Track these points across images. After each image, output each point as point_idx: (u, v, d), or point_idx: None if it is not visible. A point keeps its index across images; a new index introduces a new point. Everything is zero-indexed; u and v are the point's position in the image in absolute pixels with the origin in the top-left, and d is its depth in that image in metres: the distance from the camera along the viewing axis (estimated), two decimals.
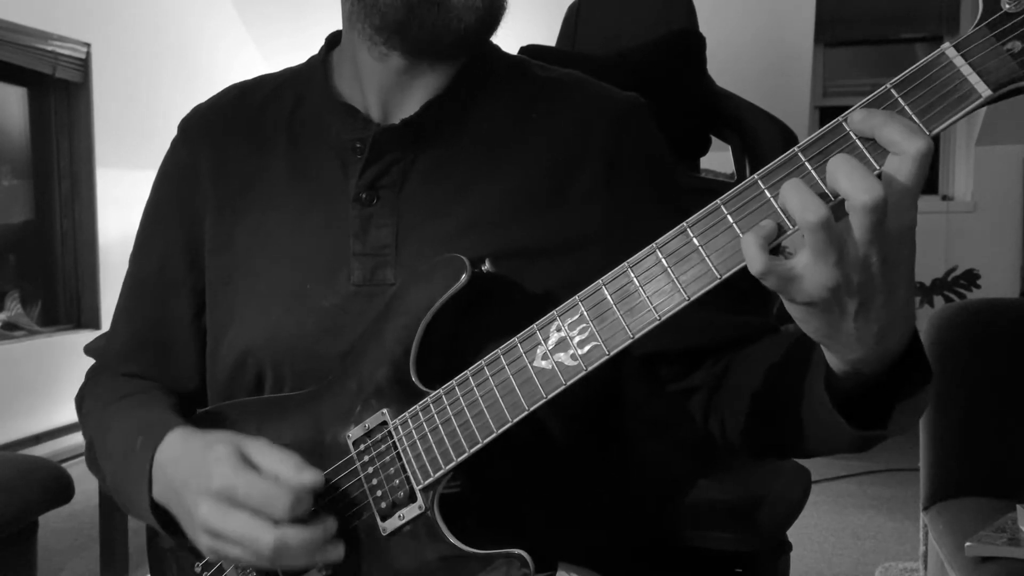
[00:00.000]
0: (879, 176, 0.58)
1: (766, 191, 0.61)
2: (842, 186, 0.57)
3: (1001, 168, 5.03)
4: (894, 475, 3.65)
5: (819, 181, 0.60)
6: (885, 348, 0.64)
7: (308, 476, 0.74)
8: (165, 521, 0.82)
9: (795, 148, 0.61)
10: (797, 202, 0.57)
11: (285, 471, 0.74)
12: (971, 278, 4.51)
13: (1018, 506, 1.63)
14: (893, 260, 0.59)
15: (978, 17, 0.59)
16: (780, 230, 0.61)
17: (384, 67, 0.87)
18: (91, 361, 1.04)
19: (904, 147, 0.57)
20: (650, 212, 0.70)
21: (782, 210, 0.60)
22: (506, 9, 0.85)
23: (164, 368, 0.97)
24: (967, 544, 1.58)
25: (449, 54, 0.86)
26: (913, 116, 0.59)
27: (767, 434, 0.82)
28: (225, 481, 0.74)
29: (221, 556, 0.77)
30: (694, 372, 0.88)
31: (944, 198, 5.33)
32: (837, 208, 0.58)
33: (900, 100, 0.60)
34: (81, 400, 1.00)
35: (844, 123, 0.61)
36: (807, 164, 0.61)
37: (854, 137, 0.60)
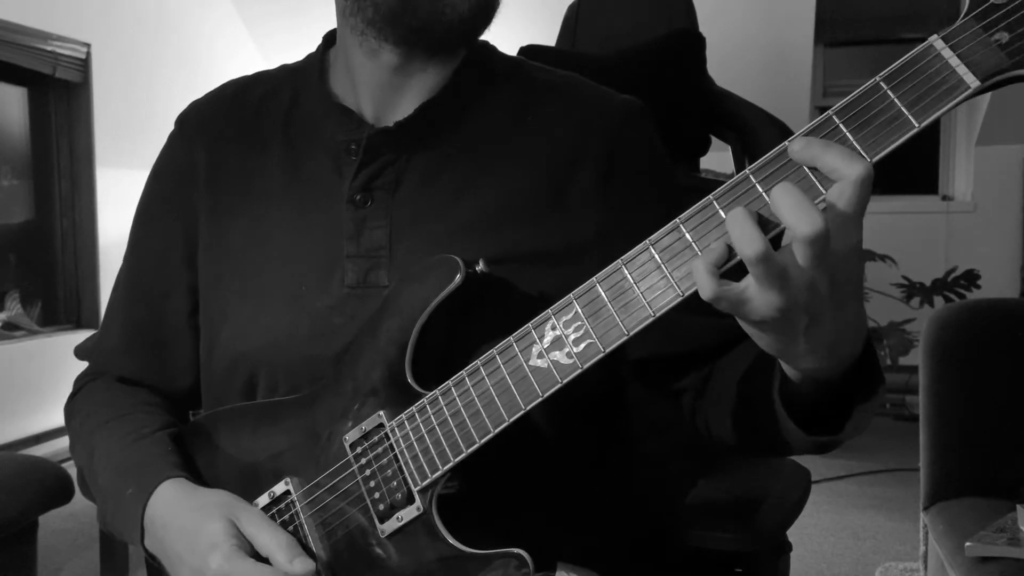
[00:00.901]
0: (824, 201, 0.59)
1: (758, 185, 0.62)
2: (784, 217, 0.58)
3: (1001, 168, 5.02)
4: (894, 475, 3.65)
5: (811, 176, 0.61)
6: (837, 358, 0.66)
7: (300, 566, 0.75)
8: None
9: (786, 142, 0.62)
10: (738, 234, 0.59)
11: (280, 558, 0.75)
12: (971, 278, 4.50)
13: (1018, 506, 1.62)
14: (841, 279, 0.61)
15: (965, 8, 0.60)
16: (731, 253, 0.62)
17: (376, 65, 0.87)
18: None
19: (844, 173, 0.58)
20: (647, 216, 0.70)
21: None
22: (500, 2, 0.85)
23: (159, 366, 0.97)
24: (967, 544, 1.58)
25: (441, 46, 0.86)
26: (903, 108, 0.59)
27: (746, 437, 0.83)
28: (220, 570, 0.75)
29: None
30: (685, 375, 0.89)
31: (944, 198, 5.33)
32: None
33: (889, 92, 0.60)
34: (70, 416, 0.99)
35: (835, 118, 0.61)
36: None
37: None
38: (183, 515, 0.80)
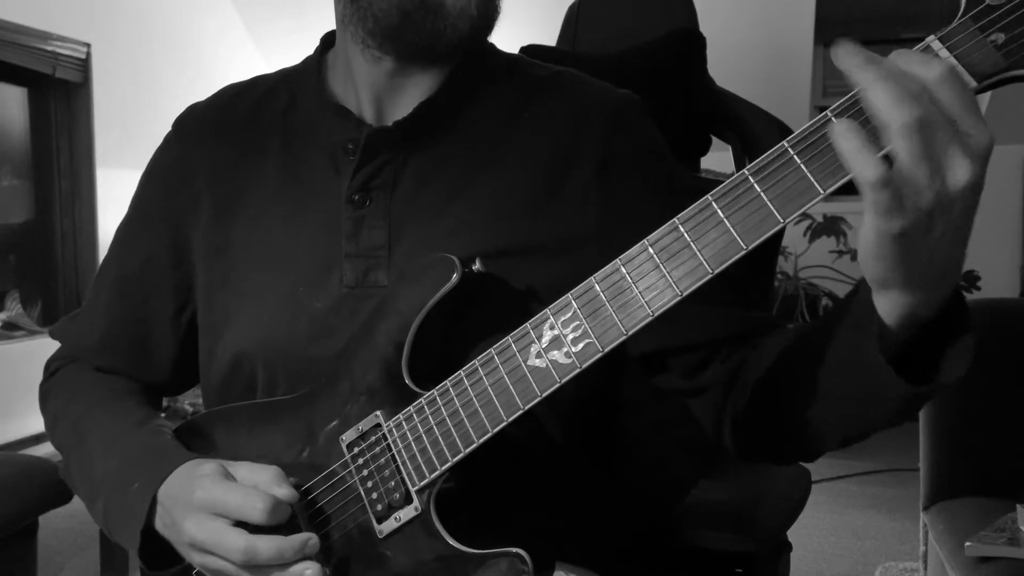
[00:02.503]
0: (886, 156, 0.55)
1: (756, 186, 0.62)
2: (924, 72, 0.54)
3: (1001, 168, 5.02)
4: (894, 475, 3.65)
5: (809, 176, 0.60)
6: (940, 293, 0.62)
7: (284, 490, 0.76)
8: (152, 552, 0.83)
9: (784, 143, 0.61)
10: (886, 100, 0.54)
11: (263, 480, 0.76)
12: (971, 279, 4.51)
13: (1018, 506, 1.62)
14: (975, 183, 0.56)
15: (962, 9, 0.60)
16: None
17: (377, 69, 0.87)
18: None
19: (925, 75, 0.55)
20: (646, 210, 0.70)
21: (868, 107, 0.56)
22: (500, 13, 0.85)
23: (138, 364, 0.98)
24: (967, 544, 1.58)
25: (443, 59, 0.86)
26: None
27: (794, 423, 0.77)
28: (205, 493, 0.76)
29: (207, 569, 0.79)
30: (702, 372, 0.85)
31: None
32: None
33: None
34: (46, 396, 1.00)
35: (833, 118, 0.60)
36: (796, 158, 0.60)
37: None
38: (182, 474, 0.80)
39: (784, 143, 0.61)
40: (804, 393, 0.74)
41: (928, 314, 0.63)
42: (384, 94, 0.88)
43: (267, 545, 0.74)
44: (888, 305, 0.63)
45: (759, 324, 0.85)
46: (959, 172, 0.55)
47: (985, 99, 4.77)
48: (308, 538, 0.75)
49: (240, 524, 0.75)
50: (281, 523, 0.76)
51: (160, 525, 0.82)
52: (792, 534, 1.53)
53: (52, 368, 1.03)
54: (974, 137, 0.55)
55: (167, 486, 0.81)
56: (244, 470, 0.78)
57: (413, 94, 0.87)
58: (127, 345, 0.98)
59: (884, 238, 0.57)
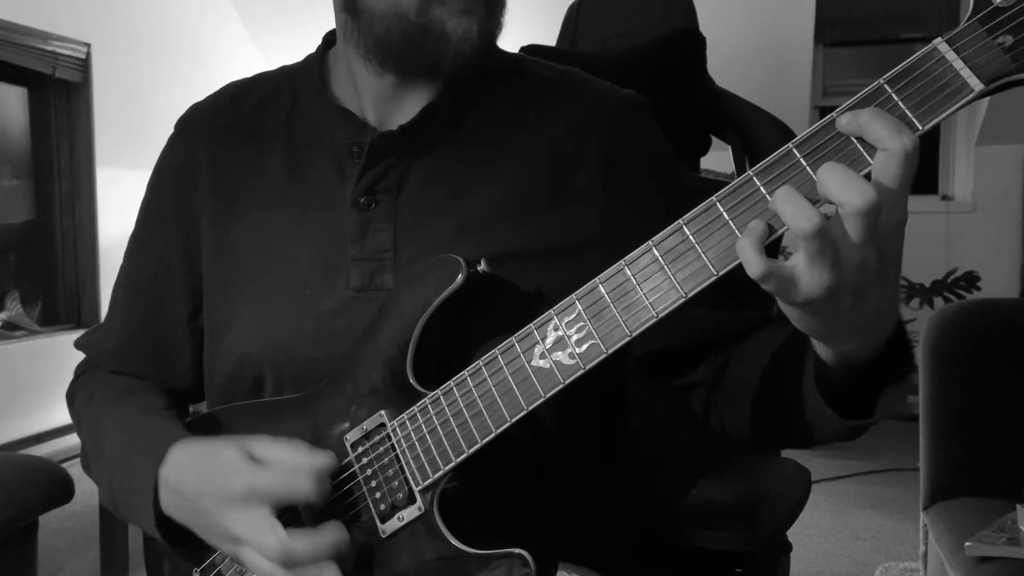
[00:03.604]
0: (869, 175, 0.59)
1: (761, 188, 0.62)
2: (834, 194, 0.57)
3: (1001, 168, 5.02)
4: (894, 475, 3.65)
5: (814, 177, 0.60)
6: (876, 337, 0.66)
7: (321, 458, 0.74)
8: (170, 531, 0.82)
9: (790, 144, 0.61)
10: (791, 210, 0.58)
11: (299, 457, 0.74)
12: (971, 280, 4.51)
13: (1018, 506, 1.62)
14: (886, 254, 0.60)
15: (969, 11, 0.59)
16: (771, 229, 0.61)
17: (379, 81, 0.87)
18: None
19: (890, 144, 0.58)
20: (650, 213, 0.70)
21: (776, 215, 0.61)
22: (503, 28, 0.84)
23: (158, 369, 0.97)
24: (967, 544, 1.58)
25: (445, 77, 0.86)
26: (907, 111, 0.59)
27: (765, 427, 0.82)
28: (244, 482, 0.74)
29: (237, 558, 0.77)
30: (696, 369, 0.88)
31: (944, 198, 5.33)
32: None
33: (894, 95, 0.60)
34: (72, 397, 1.00)
35: (838, 119, 0.61)
36: (802, 160, 0.61)
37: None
38: (197, 460, 0.79)
39: (789, 145, 0.61)
40: (767, 404, 0.80)
41: (866, 358, 0.67)
42: (387, 100, 0.88)
43: (303, 545, 0.72)
44: (822, 351, 0.69)
45: (753, 325, 0.87)
46: (870, 257, 0.59)
47: (985, 100, 4.76)
48: (341, 533, 0.74)
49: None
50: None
51: (173, 509, 0.80)
52: (792, 534, 1.53)
53: (78, 372, 1.03)
54: (896, 215, 0.59)
55: (178, 468, 0.79)
56: (271, 452, 0.76)
57: (416, 98, 0.87)
58: (146, 350, 0.97)
59: (793, 310, 0.63)
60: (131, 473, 0.83)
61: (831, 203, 0.59)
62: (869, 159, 0.59)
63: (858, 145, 0.60)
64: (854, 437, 0.73)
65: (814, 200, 0.59)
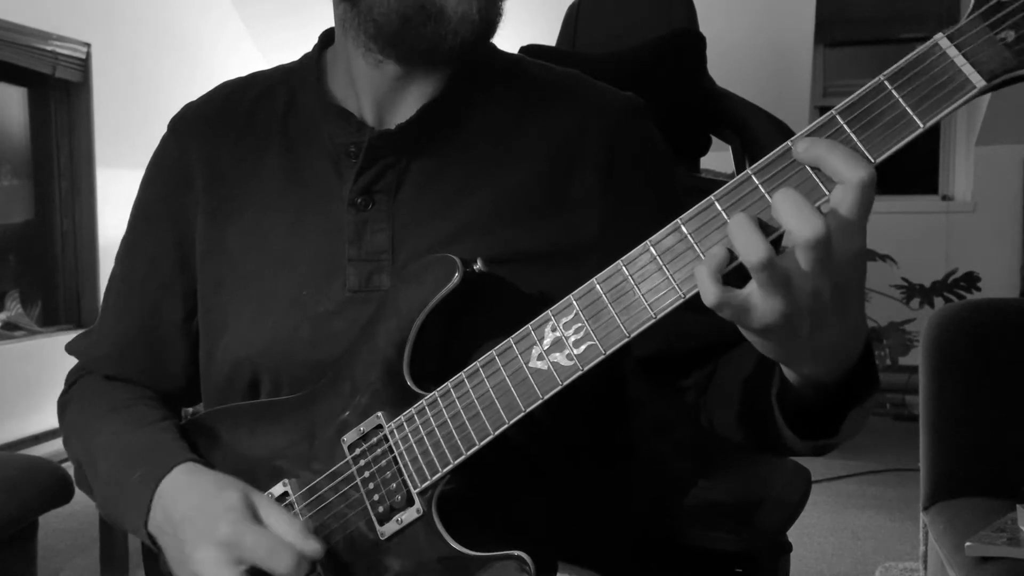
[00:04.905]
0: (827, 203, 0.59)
1: (760, 187, 0.61)
2: (785, 222, 0.58)
3: (1001, 168, 5.02)
4: (894, 475, 3.65)
5: (811, 176, 0.60)
6: (838, 362, 0.66)
7: (312, 545, 0.75)
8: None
9: (788, 142, 0.61)
10: (741, 240, 0.59)
11: (292, 534, 0.75)
12: (971, 280, 4.50)
13: (1018, 506, 1.62)
14: (843, 284, 0.60)
15: (971, 6, 0.59)
16: (732, 256, 0.61)
17: (379, 73, 0.86)
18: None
19: (846, 176, 0.58)
20: (649, 215, 0.70)
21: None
22: (502, 16, 0.84)
23: (152, 372, 0.96)
24: (967, 544, 1.58)
25: (445, 62, 0.85)
26: (907, 108, 0.59)
27: (749, 436, 0.83)
28: (234, 531, 0.75)
29: None
30: (690, 373, 0.89)
31: (944, 198, 5.33)
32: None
33: (894, 92, 0.59)
34: (64, 408, 0.99)
35: (837, 116, 0.60)
36: (801, 160, 0.60)
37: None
38: (200, 485, 0.79)
39: (789, 142, 0.61)
40: (744, 415, 0.81)
41: (831, 381, 0.68)
42: (386, 97, 0.88)
43: None
44: (788, 372, 0.69)
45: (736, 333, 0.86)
46: (823, 286, 0.59)
47: (985, 99, 4.77)
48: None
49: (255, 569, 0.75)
50: None
51: (155, 527, 0.81)
52: (792, 534, 1.53)
53: (70, 381, 1.01)
54: (853, 246, 0.59)
55: (171, 494, 0.80)
56: (272, 516, 0.77)
57: (415, 97, 0.87)
58: (139, 354, 0.96)
59: (752, 335, 0.64)
60: (128, 487, 0.83)
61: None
62: (826, 191, 0.60)
63: (859, 143, 0.60)
64: (820, 455, 0.74)
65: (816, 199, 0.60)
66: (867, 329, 0.68)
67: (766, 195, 0.61)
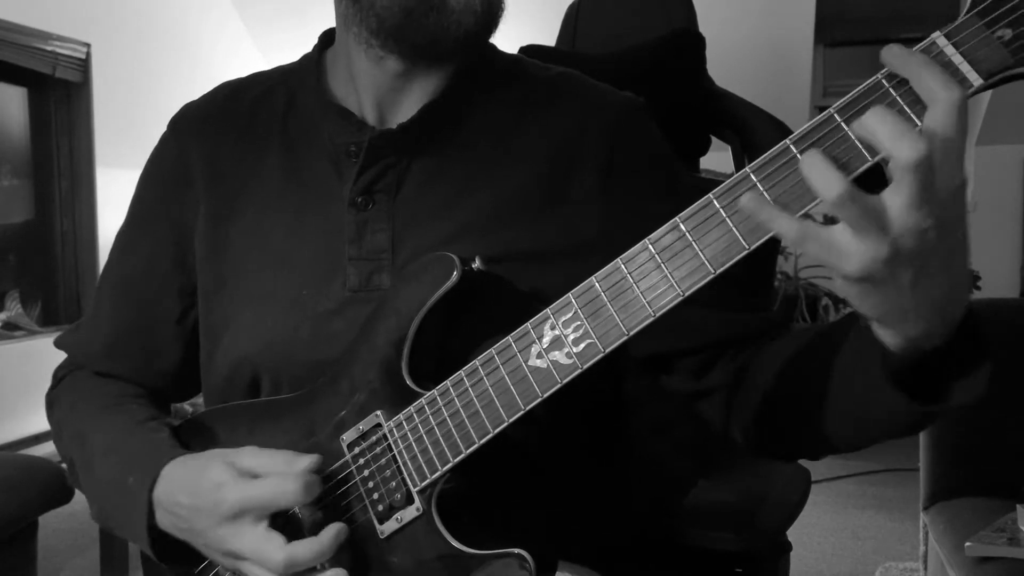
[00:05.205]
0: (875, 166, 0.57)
1: (758, 184, 0.61)
2: (883, 143, 0.53)
3: (1001, 168, 5.02)
4: (894, 475, 3.65)
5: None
6: (945, 320, 0.61)
7: (304, 460, 0.75)
8: (164, 547, 0.83)
9: (787, 140, 0.61)
10: (817, 176, 0.54)
11: (282, 464, 0.76)
12: (971, 280, 4.50)
13: (1018, 506, 1.63)
14: (948, 223, 0.55)
15: (967, 5, 0.59)
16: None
17: (380, 70, 0.86)
18: None
19: (942, 95, 0.54)
20: (649, 214, 0.70)
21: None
22: (504, 10, 0.84)
23: (144, 369, 0.96)
24: (967, 544, 1.58)
25: (447, 57, 0.85)
26: (905, 107, 0.58)
27: (801, 430, 0.78)
28: (232, 499, 0.75)
29: (241, 572, 0.78)
30: (707, 374, 0.85)
31: None
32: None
33: (892, 91, 0.59)
34: (52, 404, 0.99)
35: (835, 115, 0.60)
36: (799, 156, 0.60)
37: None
38: (187, 477, 0.80)
39: (787, 141, 0.61)
40: (810, 404, 0.74)
41: (933, 344, 0.62)
42: (386, 96, 0.88)
43: (306, 551, 0.74)
44: (886, 336, 0.63)
45: (764, 326, 0.85)
46: (926, 223, 0.54)
47: (985, 99, 4.76)
48: (339, 530, 0.75)
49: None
50: (316, 496, 0.76)
51: (170, 527, 0.81)
52: (792, 534, 1.53)
53: (58, 376, 1.01)
54: (954, 178, 0.55)
55: (170, 488, 0.80)
56: (254, 460, 0.77)
57: (416, 97, 0.87)
58: (132, 351, 0.96)
59: (850, 288, 0.58)
60: (124, 492, 0.83)
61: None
62: (868, 157, 0.58)
63: (858, 143, 0.59)
64: (922, 428, 0.68)
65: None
66: (971, 284, 0.64)
67: (764, 193, 0.60)
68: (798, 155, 0.60)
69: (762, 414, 0.81)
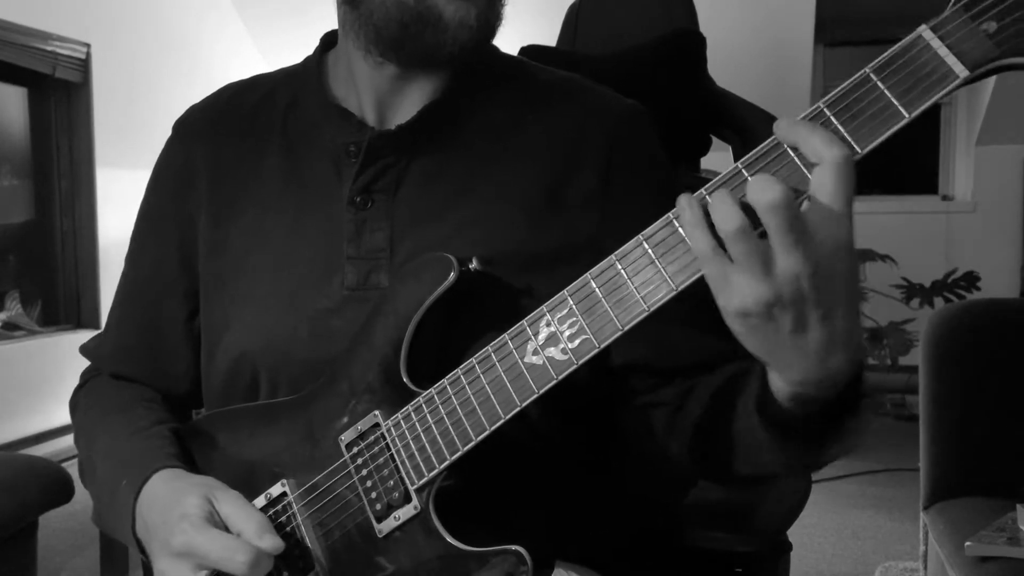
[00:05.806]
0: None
1: (750, 178, 0.61)
2: (749, 192, 0.58)
3: (1001, 168, 5.03)
4: (894, 475, 3.65)
5: (803, 169, 0.60)
6: (827, 371, 0.62)
7: (268, 541, 0.75)
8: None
9: (775, 137, 0.62)
10: (719, 212, 0.59)
11: (248, 530, 0.75)
12: (971, 280, 4.50)
13: (1018, 506, 1.62)
14: (825, 274, 0.58)
15: None
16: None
17: (379, 74, 0.87)
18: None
19: (824, 155, 0.58)
20: (646, 218, 0.70)
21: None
22: (503, 20, 0.84)
23: (156, 372, 0.97)
24: (967, 544, 1.58)
25: (445, 66, 0.86)
26: (893, 99, 0.60)
27: (713, 460, 0.82)
28: (185, 539, 0.75)
29: None
30: (664, 387, 0.86)
31: (944, 198, 5.34)
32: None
33: (879, 84, 0.60)
34: (74, 408, 1.00)
35: (825, 109, 0.61)
36: (789, 151, 0.61)
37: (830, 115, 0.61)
38: (166, 495, 0.80)
39: (775, 137, 0.62)
40: (721, 435, 0.78)
41: (817, 395, 0.64)
42: (386, 97, 0.88)
43: None
44: (773, 377, 0.66)
45: (726, 355, 0.85)
46: (802, 270, 0.58)
47: (985, 99, 4.77)
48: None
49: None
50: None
51: (141, 533, 0.82)
52: (792, 534, 1.53)
53: (82, 381, 1.03)
54: (836, 233, 0.58)
55: (148, 501, 0.81)
56: (231, 509, 0.77)
57: (416, 97, 0.87)
58: (142, 353, 0.97)
59: (735, 323, 0.62)
60: (116, 496, 0.84)
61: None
62: (808, 174, 0.60)
63: (846, 134, 0.60)
64: (813, 471, 0.71)
65: (803, 191, 0.60)
66: (863, 346, 0.66)
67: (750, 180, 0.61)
68: (788, 149, 0.61)
69: (689, 438, 0.84)
